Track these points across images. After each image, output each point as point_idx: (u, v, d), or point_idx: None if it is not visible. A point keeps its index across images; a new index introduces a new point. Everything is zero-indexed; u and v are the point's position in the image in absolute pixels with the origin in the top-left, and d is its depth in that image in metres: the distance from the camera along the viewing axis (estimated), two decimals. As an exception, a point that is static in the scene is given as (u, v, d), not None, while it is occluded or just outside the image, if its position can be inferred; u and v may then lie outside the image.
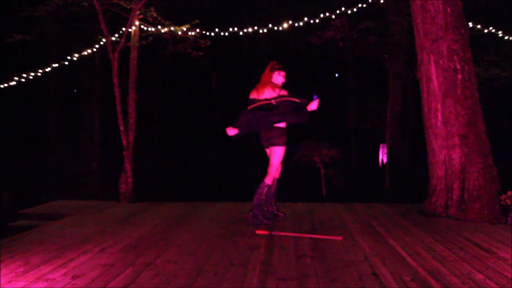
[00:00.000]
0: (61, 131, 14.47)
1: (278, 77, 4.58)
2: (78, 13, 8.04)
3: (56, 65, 8.62)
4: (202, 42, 7.93)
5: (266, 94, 4.48)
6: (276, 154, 4.52)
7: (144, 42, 7.54)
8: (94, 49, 8.33)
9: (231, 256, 3.39)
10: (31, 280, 2.89)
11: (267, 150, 4.65)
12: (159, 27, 7.38)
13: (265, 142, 4.60)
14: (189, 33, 7.62)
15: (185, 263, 3.24)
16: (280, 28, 8.06)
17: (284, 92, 4.52)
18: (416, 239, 3.89)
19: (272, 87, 4.49)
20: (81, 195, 7.58)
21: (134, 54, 6.58)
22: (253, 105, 4.47)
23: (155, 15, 7.16)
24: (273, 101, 4.42)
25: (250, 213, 4.60)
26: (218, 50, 13.90)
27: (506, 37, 8.49)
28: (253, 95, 4.56)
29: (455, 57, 4.89)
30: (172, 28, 7.42)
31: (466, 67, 4.90)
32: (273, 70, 4.58)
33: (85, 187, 10.02)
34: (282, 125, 4.51)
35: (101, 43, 7.87)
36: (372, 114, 13.25)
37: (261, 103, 4.46)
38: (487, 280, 2.82)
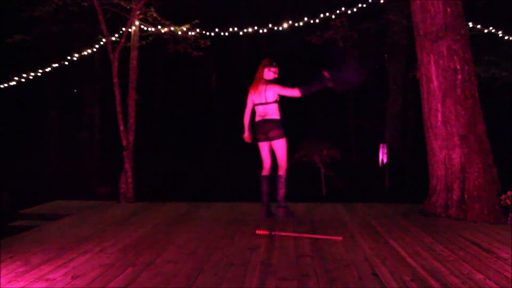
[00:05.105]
0: (61, 131, 14.45)
1: (269, 73, 4.87)
2: (78, 13, 8.02)
3: (56, 65, 8.61)
4: (202, 42, 7.93)
5: (260, 89, 4.79)
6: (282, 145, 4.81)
7: (144, 42, 7.53)
8: (94, 49, 8.31)
9: (231, 256, 3.39)
10: (31, 280, 2.89)
11: (264, 144, 4.86)
12: (159, 27, 7.37)
13: (263, 134, 4.81)
14: (189, 33, 7.61)
15: (185, 263, 3.24)
16: (280, 28, 8.05)
17: (275, 86, 4.79)
18: (416, 239, 3.90)
19: (264, 83, 4.81)
20: (81, 195, 7.57)
21: (134, 54, 6.57)
22: (256, 102, 4.84)
23: (155, 15, 7.15)
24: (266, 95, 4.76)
25: (282, 209, 4.83)
26: (218, 50, 13.87)
27: (506, 37, 8.48)
28: (250, 93, 4.90)
29: (455, 57, 4.90)
30: (172, 28, 7.42)
31: (466, 67, 4.91)
32: (264, 67, 4.87)
33: (85, 187, 10.01)
34: (277, 116, 4.81)
35: (101, 43, 7.86)
36: (372, 114, 13.24)
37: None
38: (487, 280, 2.82)
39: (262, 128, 4.80)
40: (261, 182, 4.90)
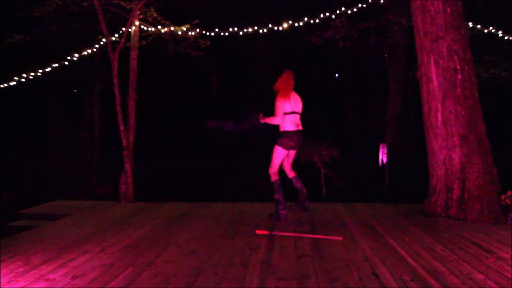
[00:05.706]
0: (61, 131, 14.45)
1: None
2: (78, 13, 8.02)
3: (56, 65, 8.61)
4: (202, 42, 7.93)
5: (297, 98, 4.89)
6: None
7: (144, 42, 7.53)
8: (94, 49, 8.31)
9: (231, 256, 3.40)
10: (31, 280, 2.89)
11: (287, 152, 4.90)
12: (159, 27, 7.37)
13: (296, 144, 4.87)
14: (189, 33, 7.61)
15: (185, 263, 3.24)
16: (280, 28, 8.05)
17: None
18: (416, 239, 3.90)
19: (296, 93, 4.91)
20: (81, 195, 7.57)
21: (134, 54, 6.57)
22: (291, 110, 4.78)
23: (155, 15, 7.15)
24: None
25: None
26: (218, 50, 13.87)
27: (506, 37, 8.48)
28: (285, 101, 4.77)
29: (455, 57, 4.89)
30: (172, 28, 7.42)
31: (466, 67, 4.91)
32: (293, 79, 4.92)
33: (85, 187, 10.01)
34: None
35: (101, 43, 7.86)
36: (372, 114, 13.24)
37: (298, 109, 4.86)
38: (487, 280, 2.82)
39: (298, 139, 4.84)
40: (279, 186, 4.82)
